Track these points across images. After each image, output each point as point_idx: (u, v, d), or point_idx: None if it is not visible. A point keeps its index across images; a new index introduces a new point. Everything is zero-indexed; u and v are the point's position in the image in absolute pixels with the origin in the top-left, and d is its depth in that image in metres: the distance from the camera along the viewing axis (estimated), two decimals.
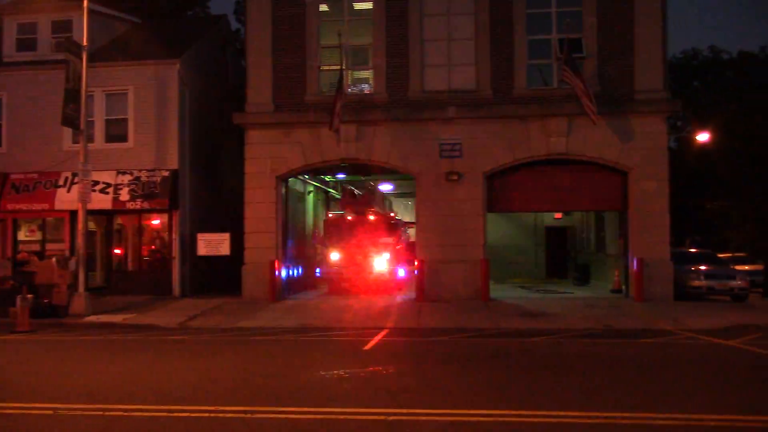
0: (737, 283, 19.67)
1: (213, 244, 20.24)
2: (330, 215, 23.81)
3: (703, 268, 20.19)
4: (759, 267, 25.26)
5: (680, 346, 12.62)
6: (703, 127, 29.73)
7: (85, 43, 18.04)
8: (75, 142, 20.26)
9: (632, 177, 19.24)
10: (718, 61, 43.97)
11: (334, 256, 21.73)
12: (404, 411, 7.61)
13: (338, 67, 19.24)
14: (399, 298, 20.27)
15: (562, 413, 7.51)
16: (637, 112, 19.15)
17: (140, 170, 20.88)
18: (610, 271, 21.80)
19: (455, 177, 19.55)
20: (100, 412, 7.71)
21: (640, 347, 12.56)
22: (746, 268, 25.30)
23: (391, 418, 7.36)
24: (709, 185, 27.35)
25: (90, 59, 18.55)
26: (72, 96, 17.92)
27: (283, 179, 20.59)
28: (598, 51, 19.33)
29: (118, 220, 22.25)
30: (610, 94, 19.19)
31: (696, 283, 19.68)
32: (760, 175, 22.31)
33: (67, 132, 20.65)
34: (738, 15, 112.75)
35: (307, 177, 23.67)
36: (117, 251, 22.31)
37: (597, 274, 24.39)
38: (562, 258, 28.81)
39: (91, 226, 21.08)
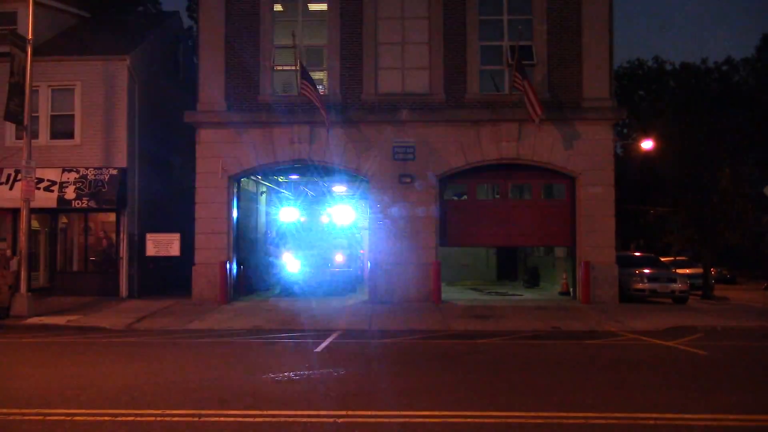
0: (678, 286, 20.36)
1: (162, 244, 19.90)
2: (283, 216, 23.67)
3: (646, 271, 20.82)
4: (699, 270, 26.20)
5: (624, 347, 13.00)
6: (647, 134, 30.69)
7: (30, 36, 17.49)
8: (18, 137, 19.60)
9: (580, 182, 19.73)
10: (662, 72, 45.45)
11: (287, 257, 21.62)
12: (354, 413, 7.64)
13: (292, 68, 19.18)
14: (351, 300, 20.29)
15: (511, 414, 7.65)
16: (584, 119, 19.65)
17: (87, 168, 20.38)
18: (559, 273, 22.29)
19: (408, 179, 19.70)
20: (40, 417, 7.50)
21: (585, 348, 12.89)
22: (687, 271, 26.22)
23: (341, 420, 7.38)
24: (653, 191, 28.25)
25: (35, 53, 18.01)
26: (16, 90, 17.38)
27: (235, 179, 20.39)
28: (548, 59, 19.79)
29: (64, 219, 21.65)
30: (559, 101, 19.66)
31: (639, 285, 20.31)
32: (697, 182, 23.17)
33: (10, 127, 20.02)
34: (682, 27, 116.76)
35: (260, 177, 23.50)
36: (61, 251, 21.68)
37: (546, 277, 24.89)
38: (512, 261, 29.30)
39: (35, 224, 20.50)
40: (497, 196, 20.95)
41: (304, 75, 18.34)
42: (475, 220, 20.29)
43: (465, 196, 21.06)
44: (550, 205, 20.67)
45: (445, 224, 20.15)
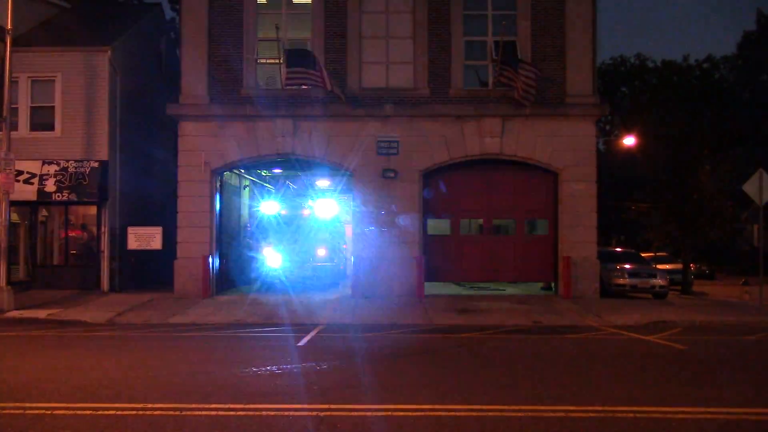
0: (658, 281, 20.60)
1: (144, 237, 19.75)
2: (266, 210, 23.58)
3: (626, 266, 21.05)
4: (678, 266, 26.50)
5: (604, 342, 13.14)
6: (629, 131, 30.96)
7: (9, 26, 17.19)
8: None
9: (562, 178, 19.85)
10: (644, 69, 45.87)
11: (269, 251, 21.57)
12: (336, 407, 7.65)
13: (276, 61, 19.08)
14: (334, 294, 20.28)
15: (493, 407, 7.70)
16: (567, 115, 19.76)
17: (68, 160, 20.16)
18: None
19: (392, 174, 19.70)
20: (20, 411, 7.43)
21: (566, 342, 13.01)
22: (667, 267, 26.50)
23: (324, 414, 7.39)
24: (634, 187, 28.53)
25: (15, 43, 17.72)
26: None
27: (217, 173, 20.26)
28: (532, 54, 19.83)
29: (44, 212, 21.39)
30: (543, 96, 19.74)
31: (620, 281, 20.53)
32: (677, 179, 23.43)
33: None
34: (665, 25, 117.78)
35: (242, 171, 23.39)
36: (41, 244, 21.42)
37: None
38: None
39: (14, 217, 20.23)
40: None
41: (303, 60, 18.23)
42: (459, 252, 20.39)
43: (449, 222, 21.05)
44: (534, 240, 20.73)
45: (429, 258, 20.10)
